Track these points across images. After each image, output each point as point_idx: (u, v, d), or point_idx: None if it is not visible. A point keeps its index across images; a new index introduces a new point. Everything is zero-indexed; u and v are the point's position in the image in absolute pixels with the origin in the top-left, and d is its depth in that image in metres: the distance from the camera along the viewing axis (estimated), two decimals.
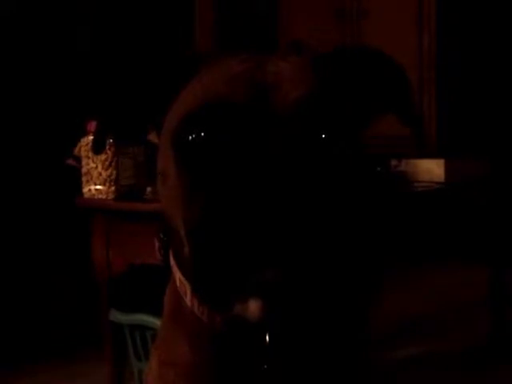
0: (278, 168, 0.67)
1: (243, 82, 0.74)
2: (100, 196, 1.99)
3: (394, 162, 2.49)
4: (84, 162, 2.03)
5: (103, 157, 1.95)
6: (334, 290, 0.83)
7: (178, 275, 0.85)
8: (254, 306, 0.77)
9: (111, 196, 1.98)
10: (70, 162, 2.09)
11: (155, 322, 1.79)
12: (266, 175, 0.66)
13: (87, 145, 2.00)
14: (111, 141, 1.92)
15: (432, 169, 2.45)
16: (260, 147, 0.68)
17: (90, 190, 2.01)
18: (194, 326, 0.83)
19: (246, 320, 0.78)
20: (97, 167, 1.98)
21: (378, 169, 2.33)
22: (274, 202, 0.65)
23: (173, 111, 0.80)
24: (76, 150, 2.06)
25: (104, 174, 1.97)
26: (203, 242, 0.68)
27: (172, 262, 0.87)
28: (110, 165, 1.96)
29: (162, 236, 0.92)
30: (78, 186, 2.07)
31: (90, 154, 2.00)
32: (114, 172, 1.96)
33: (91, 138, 1.98)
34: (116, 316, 1.98)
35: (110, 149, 1.95)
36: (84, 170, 2.03)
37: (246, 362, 0.80)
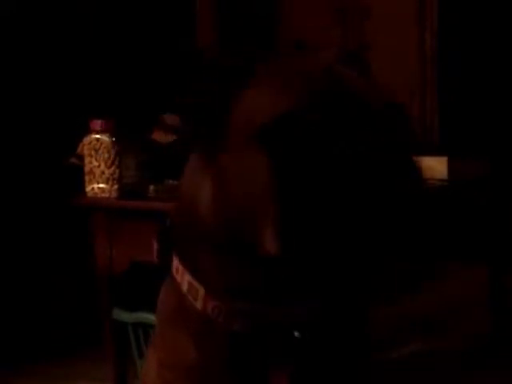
0: (374, 177, 0.70)
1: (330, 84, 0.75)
2: (103, 194, 2.00)
3: None
4: (87, 160, 2.03)
5: (106, 155, 1.95)
6: (336, 288, 0.84)
7: (186, 278, 0.84)
8: None
9: (114, 194, 1.98)
10: (73, 160, 2.09)
11: None
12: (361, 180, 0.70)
13: (90, 143, 2.01)
14: (114, 139, 1.93)
15: (434, 166, 2.44)
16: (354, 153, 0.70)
17: (93, 188, 2.01)
18: (200, 327, 0.83)
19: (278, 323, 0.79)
20: (100, 166, 1.98)
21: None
22: (363, 211, 0.69)
23: (249, 111, 0.78)
24: (79, 149, 2.06)
25: (107, 172, 1.98)
26: (295, 236, 0.71)
27: (177, 265, 0.86)
28: (112, 163, 1.96)
29: (161, 238, 0.91)
30: (78, 186, 2.07)
31: (93, 153, 2.00)
32: (117, 170, 1.97)
33: (94, 136, 1.99)
34: (119, 314, 1.98)
35: (113, 147, 1.95)
36: (87, 168, 2.03)
37: (260, 363, 0.81)
